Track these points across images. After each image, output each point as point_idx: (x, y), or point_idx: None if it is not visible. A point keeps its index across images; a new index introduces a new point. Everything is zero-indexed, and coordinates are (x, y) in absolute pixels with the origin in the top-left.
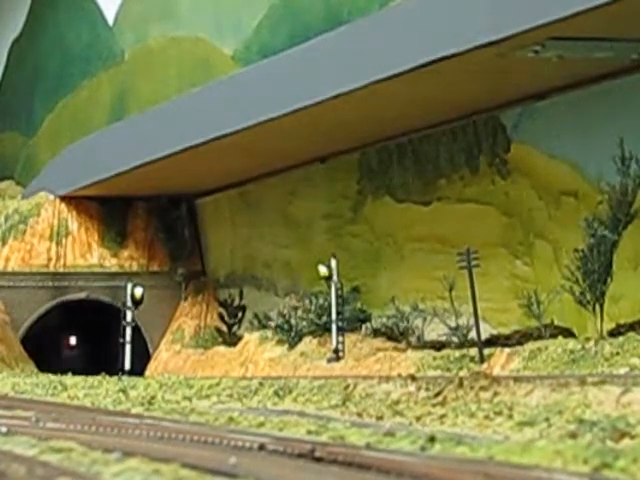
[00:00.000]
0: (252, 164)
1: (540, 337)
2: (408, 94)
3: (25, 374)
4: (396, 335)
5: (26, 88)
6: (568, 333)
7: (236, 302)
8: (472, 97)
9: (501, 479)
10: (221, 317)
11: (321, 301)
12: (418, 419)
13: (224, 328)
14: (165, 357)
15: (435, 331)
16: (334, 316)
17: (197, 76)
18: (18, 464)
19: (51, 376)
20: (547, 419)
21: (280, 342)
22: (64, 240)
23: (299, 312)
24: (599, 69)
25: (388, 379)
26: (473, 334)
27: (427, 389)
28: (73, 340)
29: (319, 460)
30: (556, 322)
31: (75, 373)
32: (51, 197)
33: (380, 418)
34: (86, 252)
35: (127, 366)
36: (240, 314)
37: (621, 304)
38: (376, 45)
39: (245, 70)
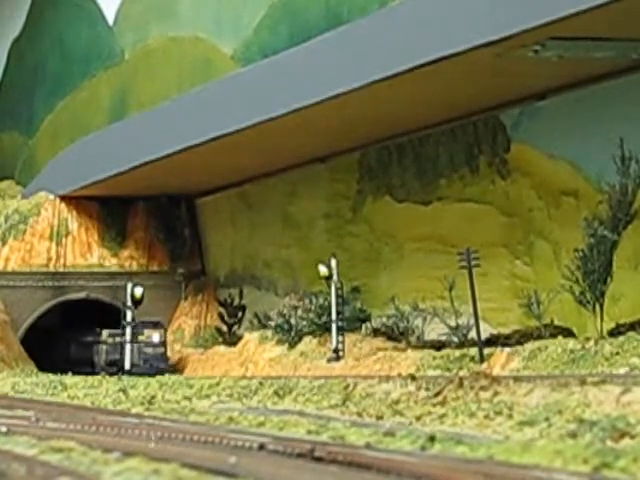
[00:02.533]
0: (252, 164)
1: (540, 337)
2: (408, 94)
3: (25, 374)
4: (396, 335)
5: (26, 88)
6: (568, 333)
7: (236, 302)
8: (472, 97)
9: (501, 479)
10: (221, 317)
11: (321, 301)
12: (418, 419)
13: (224, 328)
14: None
15: (435, 331)
16: (334, 316)
17: (197, 76)
18: (18, 464)
19: (51, 376)
20: (547, 419)
21: (280, 342)
22: (64, 240)
23: (299, 312)
24: (599, 69)
25: (388, 379)
26: (473, 334)
27: (427, 389)
28: (157, 337)
29: (319, 460)
30: (556, 322)
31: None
32: (51, 197)
33: (380, 418)
34: (86, 252)
35: (127, 366)
36: (240, 314)
37: (621, 304)
38: (376, 45)
39: (245, 70)
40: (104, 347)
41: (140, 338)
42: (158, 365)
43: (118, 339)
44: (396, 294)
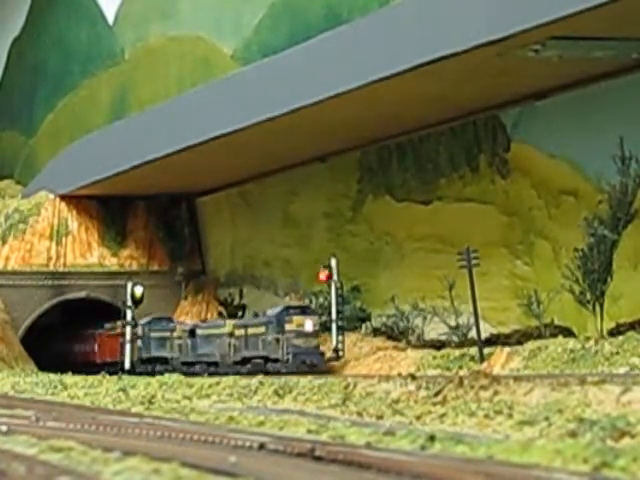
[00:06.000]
0: (252, 163)
1: (540, 336)
2: (408, 93)
3: (25, 373)
4: (396, 334)
5: (26, 87)
6: (568, 332)
7: (236, 301)
8: (472, 96)
9: (501, 478)
10: (221, 316)
11: (321, 300)
12: (418, 418)
13: None
14: None
15: (435, 330)
16: (334, 315)
17: (197, 75)
18: (18, 463)
19: (51, 375)
20: (547, 418)
21: None
22: (64, 239)
23: None
24: (599, 69)
25: (388, 378)
26: (473, 333)
27: (427, 388)
28: (309, 325)
29: (319, 459)
30: (556, 321)
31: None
32: (51, 196)
33: (380, 417)
34: (86, 251)
35: (127, 365)
36: (240, 313)
37: (621, 303)
38: (376, 45)
39: (245, 69)
40: (232, 341)
41: (287, 327)
42: (312, 361)
43: (251, 331)
44: (396, 293)
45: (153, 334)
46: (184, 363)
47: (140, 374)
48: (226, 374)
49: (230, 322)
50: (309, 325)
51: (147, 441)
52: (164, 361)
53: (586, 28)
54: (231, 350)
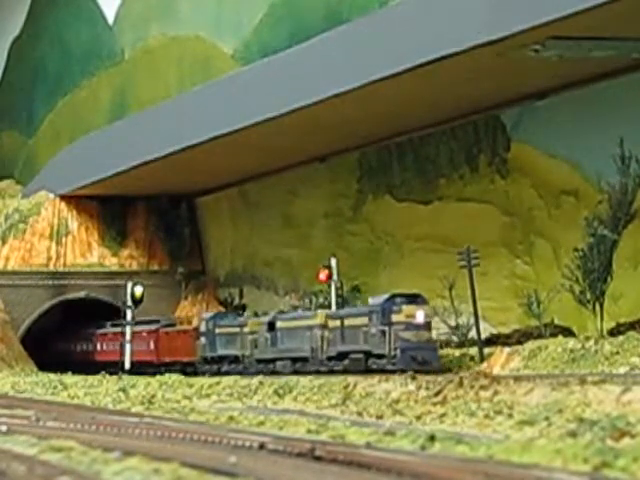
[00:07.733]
0: (252, 163)
1: (540, 336)
2: (408, 93)
3: (25, 373)
4: None
5: (26, 88)
6: (568, 332)
7: (236, 301)
8: (472, 96)
9: (501, 478)
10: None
11: (321, 300)
12: (418, 418)
13: None
14: None
15: (435, 330)
16: None
17: (197, 75)
18: (18, 463)
19: (51, 375)
20: (547, 418)
21: None
22: (64, 239)
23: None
24: (599, 69)
25: (388, 378)
26: (473, 333)
27: (427, 388)
28: (421, 315)
29: (319, 459)
30: (556, 321)
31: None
32: (51, 196)
33: (380, 417)
34: (86, 251)
35: (127, 365)
36: (240, 313)
37: (621, 303)
38: (376, 45)
39: (245, 69)
40: (325, 334)
41: (395, 318)
42: (424, 357)
43: (349, 322)
44: None
45: (219, 330)
46: (260, 361)
47: (204, 374)
48: (318, 372)
49: (322, 312)
50: (421, 316)
51: (147, 441)
52: (234, 360)
53: (586, 28)
54: (324, 344)
